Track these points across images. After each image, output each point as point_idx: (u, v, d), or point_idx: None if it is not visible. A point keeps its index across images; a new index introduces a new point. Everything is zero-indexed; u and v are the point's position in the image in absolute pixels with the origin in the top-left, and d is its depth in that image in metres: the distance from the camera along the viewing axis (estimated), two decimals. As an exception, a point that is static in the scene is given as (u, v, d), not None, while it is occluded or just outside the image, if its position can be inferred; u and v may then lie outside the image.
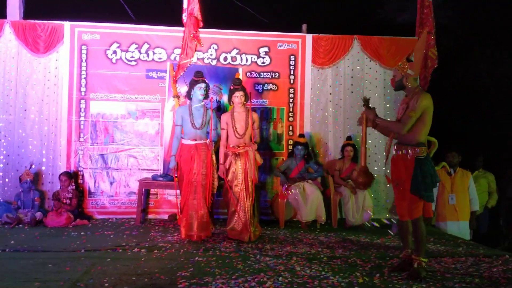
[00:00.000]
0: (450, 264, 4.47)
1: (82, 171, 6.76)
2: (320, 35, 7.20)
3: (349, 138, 6.84)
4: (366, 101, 4.33)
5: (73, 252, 4.67)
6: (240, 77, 6.66)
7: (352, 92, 7.24)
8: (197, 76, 5.55)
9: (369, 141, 7.20)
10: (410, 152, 4.01)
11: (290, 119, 7.13)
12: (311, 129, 7.15)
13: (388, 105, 7.28)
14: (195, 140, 5.49)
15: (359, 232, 6.07)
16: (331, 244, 5.31)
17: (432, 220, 6.44)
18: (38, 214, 6.16)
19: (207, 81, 5.67)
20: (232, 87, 5.62)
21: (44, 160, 6.72)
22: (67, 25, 6.78)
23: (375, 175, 7.06)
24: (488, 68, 9.16)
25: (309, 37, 7.18)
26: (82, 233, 5.63)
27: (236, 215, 5.39)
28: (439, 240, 5.59)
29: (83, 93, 6.79)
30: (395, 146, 4.18)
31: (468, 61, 9.73)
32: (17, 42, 6.68)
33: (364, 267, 4.27)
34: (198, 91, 5.51)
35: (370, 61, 7.25)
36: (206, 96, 5.61)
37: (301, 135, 6.76)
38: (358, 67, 7.25)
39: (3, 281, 3.66)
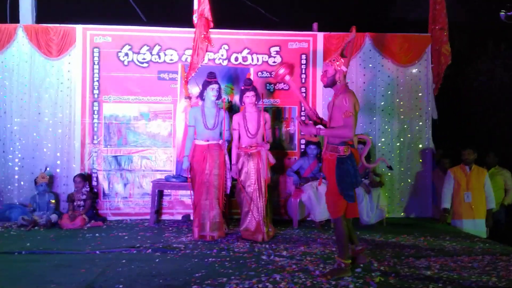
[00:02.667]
0: (467, 263, 4.41)
1: (96, 173, 6.80)
2: (332, 33, 7.16)
3: (361, 136, 6.76)
4: (302, 122, 4.19)
5: (88, 253, 4.71)
6: (252, 77, 6.66)
7: (364, 90, 7.18)
8: (210, 77, 5.56)
9: (383, 139, 7.15)
10: (334, 151, 4.00)
11: (302, 118, 7.10)
12: (324, 128, 7.10)
13: (401, 103, 7.20)
14: (208, 140, 5.50)
15: (374, 231, 6.02)
16: (345, 243, 5.27)
17: (448, 218, 6.38)
18: (53, 216, 6.21)
19: (218, 82, 5.68)
20: (243, 87, 5.62)
21: (58, 162, 6.78)
22: (79, 28, 6.83)
23: (389, 173, 7.09)
24: (504, 64, 9.02)
25: (320, 35, 7.14)
26: (97, 234, 5.67)
27: (250, 216, 5.39)
28: (455, 239, 5.51)
29: (96, 96, 6.83)
30: (325, 146, 4.13)
31: (482, 57, 9.61)
32: (30, 46, 6.74)
33: (379, 267, 4.23)
34: (211, 92, 5.52)
35: (382, 58, 7.18)
36: (219, 97, 5.62)
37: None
38: (370, 65, 7.19)
39: (20, 283, 3.71)
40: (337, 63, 4.07)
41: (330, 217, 4.14)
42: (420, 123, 7.23)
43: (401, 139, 7.19)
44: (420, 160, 7.20)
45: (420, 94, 7.25)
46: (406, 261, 4.44)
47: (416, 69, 7.25)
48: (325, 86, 4.26)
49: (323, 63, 4.29)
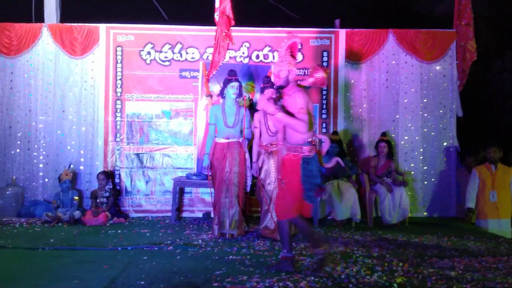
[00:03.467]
0: (491, 264, 4.31)
1: (119, 170, 6.89)
2: (354, 29, 7.08)
3: (383, 134, 6.69)
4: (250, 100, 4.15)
5: (110, 250, 4.76)
6: (273, 74, 6.62)
7: (387, 87, 7.09)
8: (231, 75, 5.56)
9: (406, 137, 7.05)
10: (298, 151, 3.94)
11: (323, 116, 7.05)
12: (345, 126, 7.05)
13: (425, 100, 7.09)
14: (228, 138, 5.51)
15: (396, 231, 5.94)
16: (367, 243, 5.21)
17: (472, 218, 6.26)
18: (77, 213, 6.31)
19: (239, 80, 5.67)
20: (262, 85, 5.62)
21: (82, 160, 6.89)
22: (102, 27, 6.91)
23: (412, 172, 6.98)
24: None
25: (342, 32, 7.07)
26: (119, 231, 5.73)
27: (269, 214, 5.37)
28: (480, 239, 5.40)
29: (118, 94, 6.91)
30: (285, 146, 4.04)
31: (509, 53, 9.37)
32: (54, 45, 6.86)
33: (401, 267, 4.16)
34: (231, 90, 5.52)
35: (406, 55, 7.07)
36: (239, 95, 5.62)
37: (335, 132, 6.67)
38: (394, 62, 7.09)
39: (44, 278, 3.77)
40: (289, 64, 4.03)
41: (278, 219, 4.09)
42: (445, 120, 7.10)
43: (425, 137, 7.08)
44: (444, 159, 7.08)
45: (444, 91, 7.12)
46: (429, 261, 4.36)
47: (441, 66, 7.13)
48: (277, 88, 4.22)
49: (274, 64, 4.21)
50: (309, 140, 3.95)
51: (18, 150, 6.84)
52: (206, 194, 6.71)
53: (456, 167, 7.08)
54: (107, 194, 6.49)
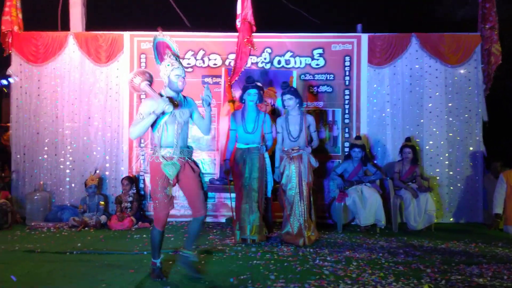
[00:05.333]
0: (522, 271, 4.22)
1: (143, 175, 6.97)
2: (376, 34, 7.04)
3: (408, 139, 6.61)
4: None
5: (136, 254, 4.82)
6: (295, 79, 6.64)
7: (411, 91, 7.02)
8: (248, 82, 5.60)
9: (430, 142, 6.97)
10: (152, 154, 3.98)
11: (346, 121, 7.01)
12: (368, 130, 7.00)
13: (450, 104, 7.00)
14: (248, 144, 5.52)
15: (422, 237, 5.86)
16: (392, 249, 5.15)
17: (500, 224, 6.14)
18: (103, 218, 6.41)
19: (260, 85, 5.69)
20: (282, 91, 5.64)
21: (107, 165, 7.00)
22: (126, 35, 7.03)
23: (437, 177, 6.89)
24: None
25: (364, 36, 7.04)
26: (144, 235, 5.79)
27: (291, 219, 5.36)
28: (508, 245, 5.30)
29: (143, 100, 6.99)
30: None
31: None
32: (80, 53, 7.00)
33: (428, 273, 4.10)
34: (248, 97, 5.55)
35: (430, 59, 7.00)
36: (260, 101, 5.63)
37: (358, 137, 6.63)
38: (417, 66, 7.02)
39: (72, 282, 3.83)
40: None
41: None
42: (470, 125, 6.99)
43: (450, 142, 6.98)
44: (471, 164, 6.96)
45: (470, 95, 7.02)
46: (456, 268, 4.29)
47: (465, 70, 7.03)
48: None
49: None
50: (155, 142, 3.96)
51: (45, 156, 6.98)
52: (229, 199, 6.72)
53: (482, 172, 6.95)
54: (131, 199, 6.57)
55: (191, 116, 4.18)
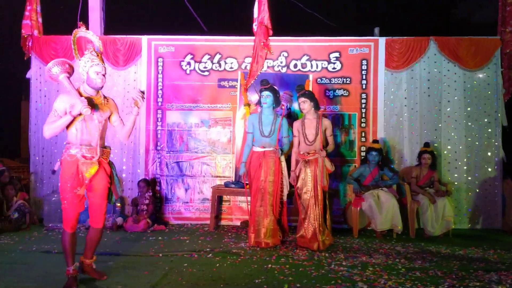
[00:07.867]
0: (543, 279, 4.12)
1: (159, 178, 7.01)
2: (394, 37, 6.99)
3: (426, 144, 6.53)
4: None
5: (151, 256, 4.84)
6: (311, 83, 6.63)
7: (429, 95, 6.94)
8: (263, 85, 5.61)
9: (449, 147, 6.87)
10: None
11: (363, 125, 6.97)
12: (385, 134, 6.94)
13: (468, 109, 6.90)
14: (264, 147, 5.52)
15: (439, 242, 5.77)
16: (409, 254, 5.09)
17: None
18: (119, 219, 6.46)
19: (275, 89, 5.69)
20: (298, 95, 5.63)
21: (124, 167, 7.06)
22: (144, 39, 7.10)
23: (455, 182, 6.79)
24: None
25: (382, 40, 6.99)
26: (160, 238, 5.83)
27: (306, 223, 5.34)
28: (529, 253, 5.19)
29: (159, 104, 7.07)
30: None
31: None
32: (98, 57, 7.07)
33: (446, 280, 4.04)
34: (262, 99, 5.57)
35: (448, 62, 6.92)
36: (277, 104, 5.63)
37: (375, 141, 6.57)
38: (435, 70, 6.95)
39: (88, 283, 3.87)
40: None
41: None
42: (489, 130, 6.88)
43: (469, 147, 6.88)
44: (489, 169, 6.85)
45: (489, 100, 6.91)
46: (475, 275, 4.22)
47: (485, 74, 6.93)
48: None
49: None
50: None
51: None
52: (244, 202, 6.73)
53: (502, 177, 6.83)
54: (147, 201, 6.60)
55: (109, 118, 4.07)
